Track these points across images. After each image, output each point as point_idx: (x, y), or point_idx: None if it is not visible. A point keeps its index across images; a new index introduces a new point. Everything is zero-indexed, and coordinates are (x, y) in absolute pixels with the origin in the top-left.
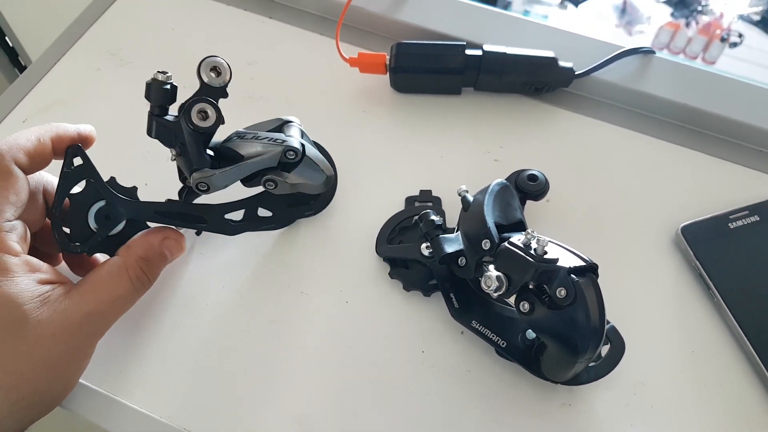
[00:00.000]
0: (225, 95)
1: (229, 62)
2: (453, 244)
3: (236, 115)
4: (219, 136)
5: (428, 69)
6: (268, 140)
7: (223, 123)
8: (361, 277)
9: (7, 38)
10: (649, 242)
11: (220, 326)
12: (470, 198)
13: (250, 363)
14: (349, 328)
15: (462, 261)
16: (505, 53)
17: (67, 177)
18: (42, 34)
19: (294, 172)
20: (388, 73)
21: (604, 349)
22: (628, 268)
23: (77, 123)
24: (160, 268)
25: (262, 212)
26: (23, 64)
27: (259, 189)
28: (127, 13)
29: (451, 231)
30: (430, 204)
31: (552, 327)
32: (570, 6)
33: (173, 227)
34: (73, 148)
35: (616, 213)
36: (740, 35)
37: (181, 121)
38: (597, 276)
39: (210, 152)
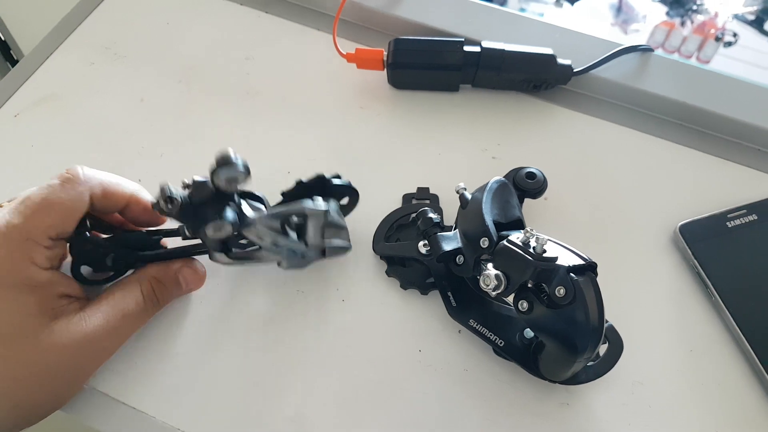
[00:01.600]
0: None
1: (226, 57)
2: (451, 242)
3: (233, 111)
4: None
5: (426, 65)
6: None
7: (248, 175)
8: (358, 275)
9: None
10: (647, 241)
11: (215, 325)
12: (468, 196)
13: (246, 362)
14: (345, 326)
15: (460, 259)
16: (503, 50)
17: (76, 241)
18: (35, 27)
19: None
20: (385, 69)
21: (603, 349)
22: (626, 267)
23: (70, 118)
24: (173, 294)
25: None
26: (15, 57)
27: None
28: (122, 6)
29: (449, 229)
30: (427, 201)
31: (551, 326)
32: (566, 4)
33: (198, 263)
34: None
35: (614, 211)
36: (735, 35)
37: (200, 236)
38: (596, 275)
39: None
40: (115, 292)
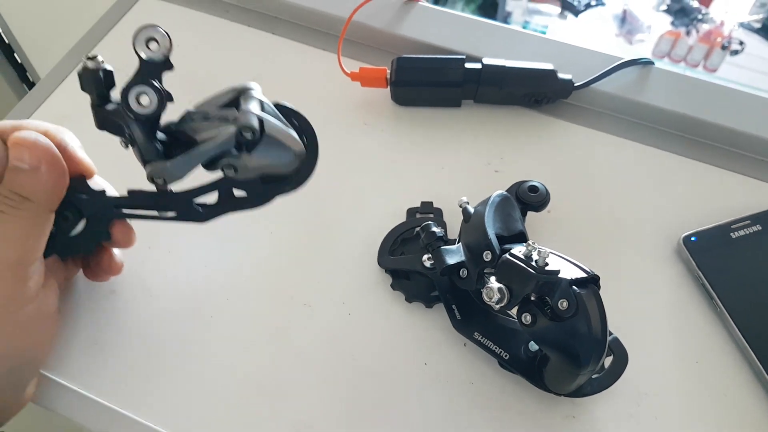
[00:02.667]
0: (169, 67)
1: (234, 78)
2: (454, 255)
3: None
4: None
5: (428, 82)
6: (219, 119)
7: (171, 101)
8: (363, 288)
9: (15, 54)
10: (651, 252)
11: (223, 338)
12: (471, 209)
13: (252, 374)
14: (351, 339)
15: (463, 272)
16: (504, 66)
17: None
18: (50, 51)
19: (255, 153)
20: (389, 87)
21: (607, 361)
22: (630, 279)
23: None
24: (19, 180)
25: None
26: (31, 80)
27: None
28: (134, 29)
29: (453, 242)
30: (431, 215)
31: (554, 339)
32: (570, 16)
33: (27, 133)
34: None
35: (617, 223)
36: (741, 43)
37: (121, 110)
38: (599, 287)
39: (163, 136)
40: None
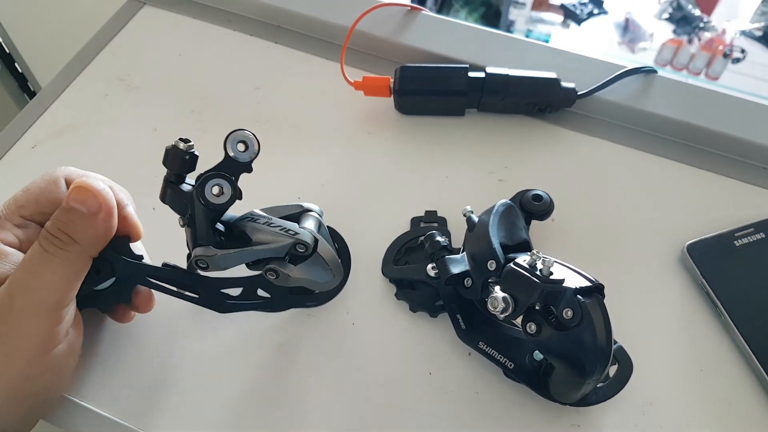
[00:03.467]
0: (249, 170)
1: (237, 87)
2: (459, 265)
3: None
4: (237, 210)
5: (432, 91)
6: (281, 229)
7: (240, 199)
8: (368, 298)
9: (16, 64)
10: (655, 261)
11: (226, 348)
12: (475, 218)
13: (256, 385)
14: (355, 350)
15: (468, 282)
16: (507, 75)
17: None
18: (51, 60)
19: (299, 266)
20: (392, 96)
21: (612, 370)
22: (634, 288)
23: (85, 148)
24: (72, 222)
25: (261, 291)
26: (32, 89)
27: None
28: (135, 39)
29: (457, 252)
30: (435, 225)
31: (559, 348)
32: (572, 25)
33: (90, 180)
34: None
35: (621, 232)
36: (743, 51)
37: (194, 193)
38: (603, 296)
39: (220, 226)
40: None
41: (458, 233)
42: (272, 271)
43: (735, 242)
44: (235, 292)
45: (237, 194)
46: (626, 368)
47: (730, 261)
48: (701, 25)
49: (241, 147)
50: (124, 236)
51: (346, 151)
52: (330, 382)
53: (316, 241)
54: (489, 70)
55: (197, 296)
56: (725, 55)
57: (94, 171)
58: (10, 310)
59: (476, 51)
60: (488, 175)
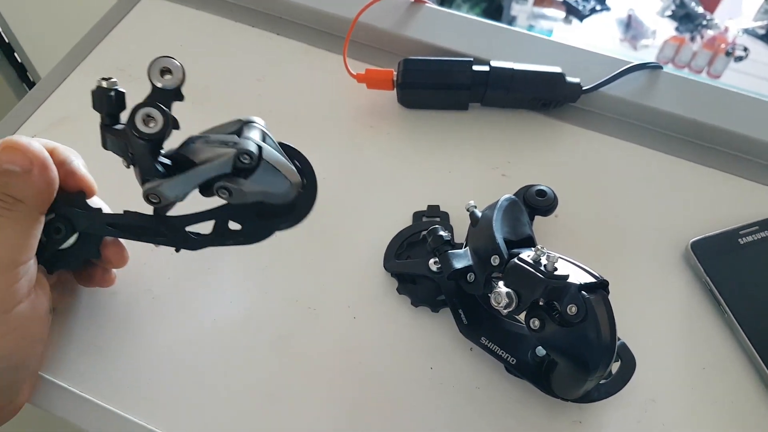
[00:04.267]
0: (180, 98)
1: (238, 79)
2: (462, 259)
3: None
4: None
5: (435, 85)
6: (220, 143)
7: (177, 128)
8: (369, 292)
9: (15, 54)
10: (659, 258)
11: (227, 342)
12: (479, 213)
13: (256, 379)
14: (356, 344)
15: (471, 277)
16: (512, 69)
17: None
18: (51, 51)
19: (251, 178)
20: (395, 89)
21: (615, 366)
22: (638, 284)
23: (85, 139)
24: (11, 182)
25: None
26: (32, 79)
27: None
28: (136, 29)
29: (459, 246)
30: (437, 219)
31: (562, 344)
32: (575, 21)
33: (18, 138)
34: None
35: (625, 228)
36: (745, 49)
37: (127, 129)
38: (608, 293)
39: (166, 161)
40: None
41: (460, 228)
42: (223, 188)
43: (739, 240)
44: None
45: (170, 121)
46: (629, 365)
47: (734, 259)
48: (704, 22)
49: (167, 76)
50: (79, 192)
51: (347, 145)
52: (330, 376)
53: (260, 148)
54: (493, 63)
55: (165, 237)
56: (727, 54)
57: (94, 163)
58: None
59: (480, 44)
60: (491, 170)
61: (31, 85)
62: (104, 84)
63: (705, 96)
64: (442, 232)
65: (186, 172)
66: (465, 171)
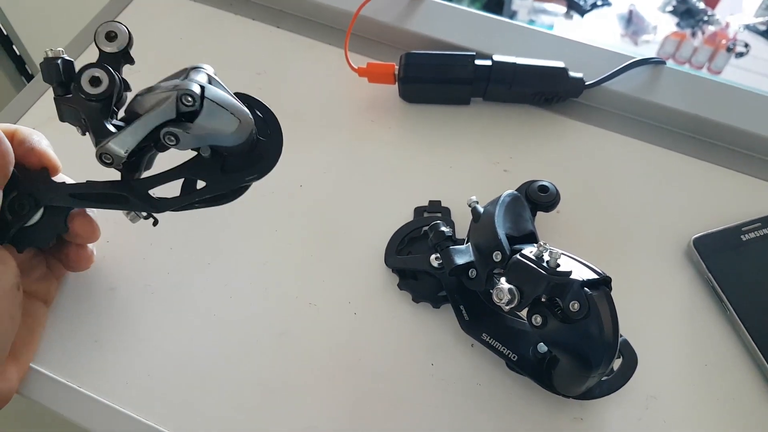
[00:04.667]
0: (130, 61)
1: (238, 72)
2: (463, 255)
3: None
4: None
5: (437, 79)
6: (161, 90)
7: (128, 89)
8: (370, 288)
9: (14, 46)
10: (661, 254)
11: (227, 338)
12: (480, 209)
13: (257, 375)
14: (357, 340)
15: (473, 273)
16: (515, 63)
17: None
18: (50, 43)
19: (197, 121)
20: (397, 83)
21: (617, 363)
22: (640, 281)
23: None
24: None
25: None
26: (30, 72)
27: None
28: (136, 21)
29: (461, 242)
30: (439, 215)
31: (565, 341)
32: (576, 16)
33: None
34: None
35: (627, 224)
36: (746, 45)
37: (74, 92)
38: (610, 289)
39: (119, 123)
40: None
41: (462, 224)
42: (169, 134)
43: (742, 236)
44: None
45: (117, 81)
46: (631, 362)
47: (737, 255)
48: (705, 18)
49: (111, 40)
50: (42, 169)
51: (349, 139)
52: (331, 372)
53: (202, 88)
54: (496, 58)
55: (128, 204)
56: (728, 50)
57: (93, 154)
58: None
59: (483, 39)
60: (493, 165)
61: (29, 78)
62: (50, 53)
63: (708, 92)
64: (443, 228)
65: (131, 124)
66: (467, 166)
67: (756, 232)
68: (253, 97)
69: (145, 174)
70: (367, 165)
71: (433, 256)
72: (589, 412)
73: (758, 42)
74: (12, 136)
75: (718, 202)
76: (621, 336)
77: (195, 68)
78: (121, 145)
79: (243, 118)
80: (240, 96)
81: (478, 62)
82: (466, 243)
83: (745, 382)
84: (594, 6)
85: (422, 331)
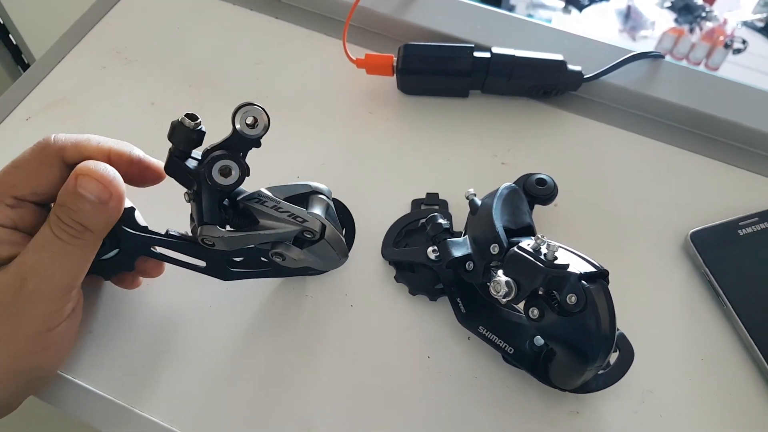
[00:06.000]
0: (258, 145)
1: (236, 62)
2: (461, 248)
3: None
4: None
5: (436, 71)
6: (289, 215)
7: (248, 176)
8: (367, 280)
9: (10, 36)
10: (658, 248)
11: (222, 330)
12: (478, 201)
13: (253, 367)
14: (353, 332)
15: (470, 265)
16: (513, 56)
17: None
18: (46, 32)
19: (306, 250)
20: (395, 75)
21: (613, 357)
22: (637, 275)
23: (81, 121)
24: (84, 211)
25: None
26: (27, 62)
27: None
28: (133, 11)
29: (458, 235)
30: (436, 207)
31: (562, 334)
32: (574, 11)
33: (99, 165)
34: None
35: (624, 218)
36: (744, 42)
37: (201, 174)
38: (608, 282)
39: (226, 202)
40: (32, 239)
41: (459, 216)
42: (279, 255)
43: (739, 231)
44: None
45: (245, 173)
46: (627, 356)
47: (734, 250)
48: (703, 14)
49: (249, 121)
50: (129, 208)
51: (346, 131)
52: (327, 364)
53: (323, 227)
54: (495, 50)
55: (203, 266)
56: (726, 46)
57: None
58: (19, 292)
59: (481, 31)
60: (491, 158)
61: (25, 67)
62: (188, 123)
63: (706, 86)
64: (441, 220)
65: (250, 233)
66: (464, 159)
67: (753, 227)
68: (344, 206)
69: None
70: (365, 157)
71: (430, 249)
72: (585, 405)
73: (756, 39)
74: (109, 153)
75: (715, 197)
76: (618, 330)
77: (317, 193)
78: (228, 245)
79: (342, 256)
80: (335, 202)
81: (476, 54)
82: (464, 235)
83: (741, 376)
84: (592, 1)
85: (419, 324)
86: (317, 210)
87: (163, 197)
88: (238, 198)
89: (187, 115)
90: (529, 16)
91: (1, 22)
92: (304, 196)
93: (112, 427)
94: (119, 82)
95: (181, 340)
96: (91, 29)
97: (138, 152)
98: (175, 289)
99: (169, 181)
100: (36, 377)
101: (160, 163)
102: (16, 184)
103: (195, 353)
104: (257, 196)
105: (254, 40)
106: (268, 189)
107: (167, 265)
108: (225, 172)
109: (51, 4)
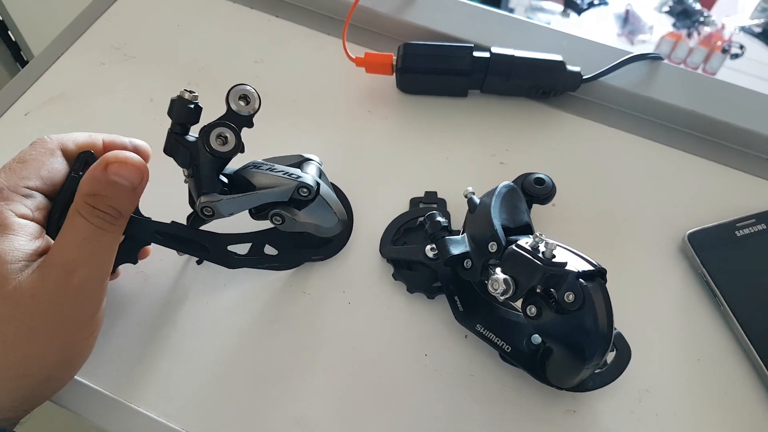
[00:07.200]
0: (250, 125)
1: (236, 60)
2: (459, 246)
3: None
4: (237, 164)
5: (435, 70)
6: (283, 174)
7: (242, 151)
8: (364, 278)
9: (9, 32)
10: (656, 249)
11: (220, 326)
12: (477, 200)
13: (250, 364)
14: (351, 329)
15: (468, 263)
16: (513, 56)
17: (73, 182)
18: (45, 29)
19: (304, 210)
20: (394, 74)
21: (610, 356)
22: (634, 275)
23: (79, 117)
24: (118, 196)
25: (269, 249)
26: (25, 59)
27: (267, 225)
28: (133, 8)
29: (457, 233)
30: (435, 206)
31: (559, 332)
32: (572, 14)
33: (125, 152)
34: (85, 154)
35: (622, 219)
36: (741, 47)
37: (199, 142)
38: (605, 281)
39: (223, 179)
40: (63, 231)
41: (457, 215)
42: (278, 215)
43: (736, 232)
44: (242, 250)
45: (240, 145)
46: (624, 355)
47: (731, 251)
48: (701, 19)
49: (242, 101)
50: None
51: (345, 129)
52: (324, 362)
53: (318, 184)
54: (494, 50)
55: (207, 253)
56: (724, 51)
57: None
58: (68, 287)
59: (481, 31)
60: (489, 157)
61: (24, 63)
62: (186, 95)
63: (705, 88)
64: (439, 218)
65: (247, 194)
66: (463, 158)
67: (750, 228)
68: (339, 189)
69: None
70: (364, 155)
71: (428, 247)
72: (582, 404)
73: (753, 44)
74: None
75: (713, 198)
76: (615, 329)
77: (309, 160)
78: (227, 209)
79: (341, 218)
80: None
81: (476, 54)
82: (462, 234)
83: (737, 376)
84: (591, 5)
85: (416, 322)
86: (310, 172)
87: (164, 197)
88: (234, 172)
89: (186, 90)
90: (528, 19)
91: (1, 19)
92: (296, 165)
93: (108, 422)
94: (118, 79)
95: (178, 336)
96: (91, 26)
97: (126, 138)
98: (172, 285)
99: (166, 185)
100: (79, 364)
101: (146, 144)
102: (27, 176)
103: (192, 349)
104: (252, 164)
105: (254, 38)
106: (263, 159)
107: (164, 263)
108: (222, 140)
109: (50, 1)
